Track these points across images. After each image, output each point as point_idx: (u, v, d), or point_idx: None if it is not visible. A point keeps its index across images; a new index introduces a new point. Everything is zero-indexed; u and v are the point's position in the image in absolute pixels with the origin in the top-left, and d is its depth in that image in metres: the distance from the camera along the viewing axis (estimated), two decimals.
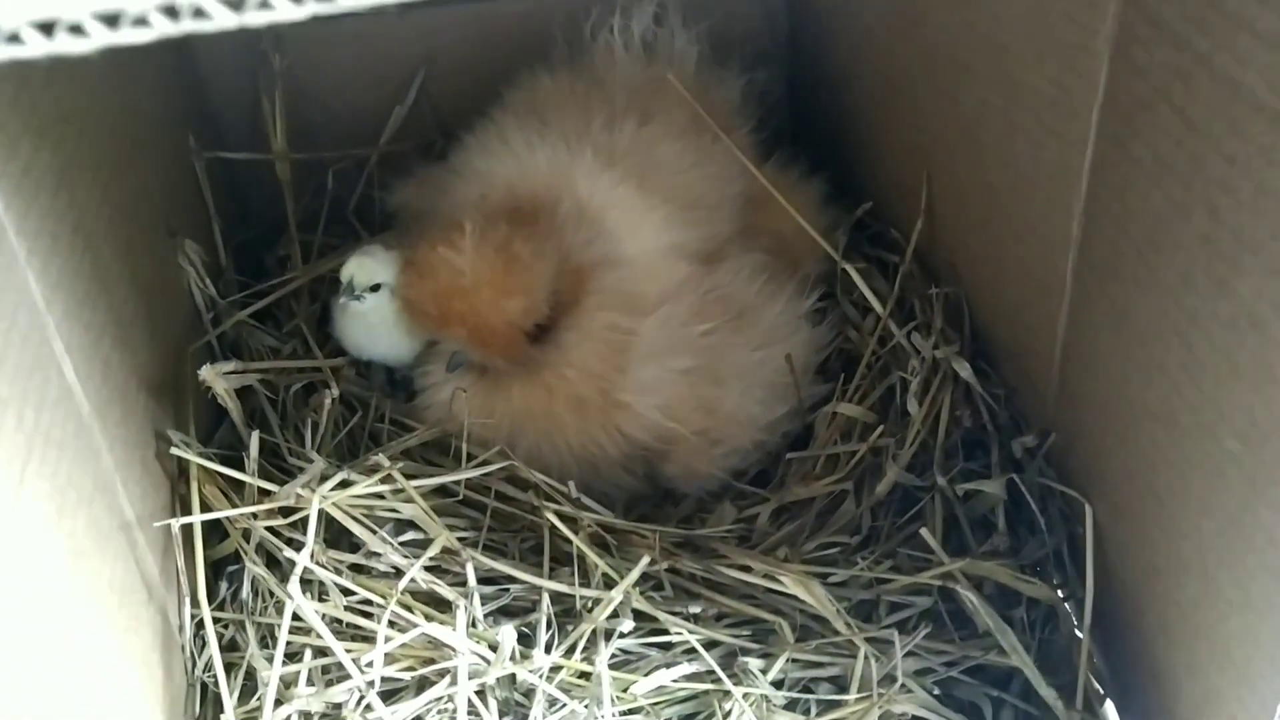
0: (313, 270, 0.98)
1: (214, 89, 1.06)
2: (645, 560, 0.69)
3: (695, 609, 0.70)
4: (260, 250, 1.05)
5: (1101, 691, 0.73)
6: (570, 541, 0.75)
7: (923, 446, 0.81)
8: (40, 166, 0.63)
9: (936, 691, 0.68)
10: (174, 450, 0.74)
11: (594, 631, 0.68)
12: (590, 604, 0.70)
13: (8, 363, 0.54)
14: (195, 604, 0.72)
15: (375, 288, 0.87)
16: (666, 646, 0.70)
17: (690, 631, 0.68)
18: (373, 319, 0.88)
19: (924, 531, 0.74)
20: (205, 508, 0.74)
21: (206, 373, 0.75)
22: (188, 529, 0.73)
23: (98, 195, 0.72)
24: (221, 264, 0.96)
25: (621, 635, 0.68)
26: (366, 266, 0.87)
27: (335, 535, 0.76)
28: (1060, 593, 0.74)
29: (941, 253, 0.90)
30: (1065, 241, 0.72)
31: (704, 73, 0.99)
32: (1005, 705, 0.71)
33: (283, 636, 0.66)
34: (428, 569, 0.71)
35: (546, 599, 0.70)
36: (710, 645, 0.69)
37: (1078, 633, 0.73)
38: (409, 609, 0.70)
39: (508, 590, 0.73)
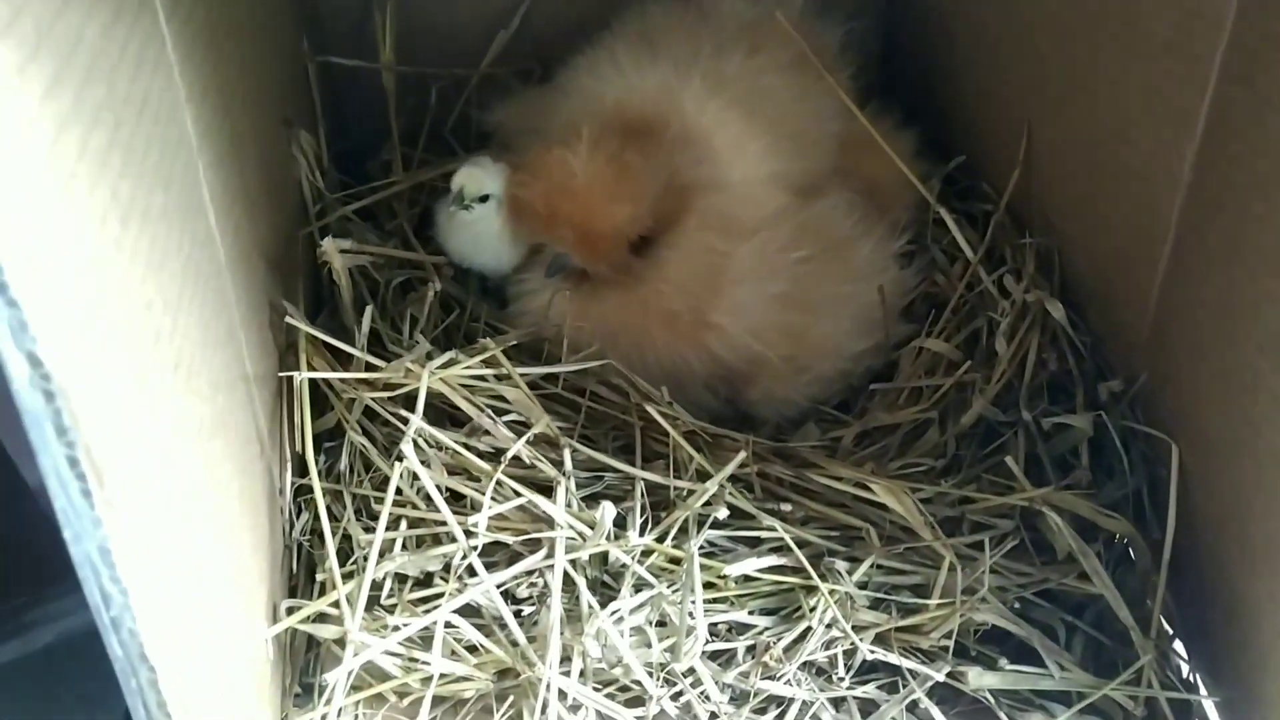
0: (415, 176, 1.00)
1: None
2: (741, 455, 0.71)
3: (786, 506, 0.72)
4: (358, 159, 1.08)
5: (1170, 631, 0.74)
6: (662, 442, 0.77)
7: (1007, 386, 0.83)
8: (197, 21, 0.66)
9: (1017, 607, 0.70)
10: (287, 319, 0.76)
11: (686, 519, 0.70)
12: (685, 493, 0.72)
13: (172, 189, 0.56)
14: (298, 470, 0.74)
15: (484, 199, 0.89)
16: (755, 542, 0.72)
17: (782, 528, 0.70)
18: (479, 228, 0.90)
19: (1008, 459, 0.76)
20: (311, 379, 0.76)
21: (328, 245, 0.78)
22: (295, 393, 0.75)
23: (236, 66, 0.75)
24: (325, 164, 0.98)
25: (715, 524, 0.70)
26: (476, 177, 0.89)
27: (433, 418, 0.78)
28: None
29: (1035, 204, 0.92)
30: (1174, 184, 0.73)
31: (807, 16, 1.00)
32: (1078, 631, 0.73)
33: (390, 493, 0.69)
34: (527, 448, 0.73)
35: (641, 486, 0.72)
36: (798, 545, 0.71)
37: (1145, 569, 0.75)
38: (509, 487, 0.72)
39: (601, 478, 0.75)
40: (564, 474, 0.71)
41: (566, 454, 0.73)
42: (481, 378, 0.76)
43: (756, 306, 0.86)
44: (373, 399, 0.75)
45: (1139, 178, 0.77)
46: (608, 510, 0.67)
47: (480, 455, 0.75)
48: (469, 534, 0.68)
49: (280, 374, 0.73)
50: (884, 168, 0.96)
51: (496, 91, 1.07)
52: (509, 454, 0.70)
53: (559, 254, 0.86)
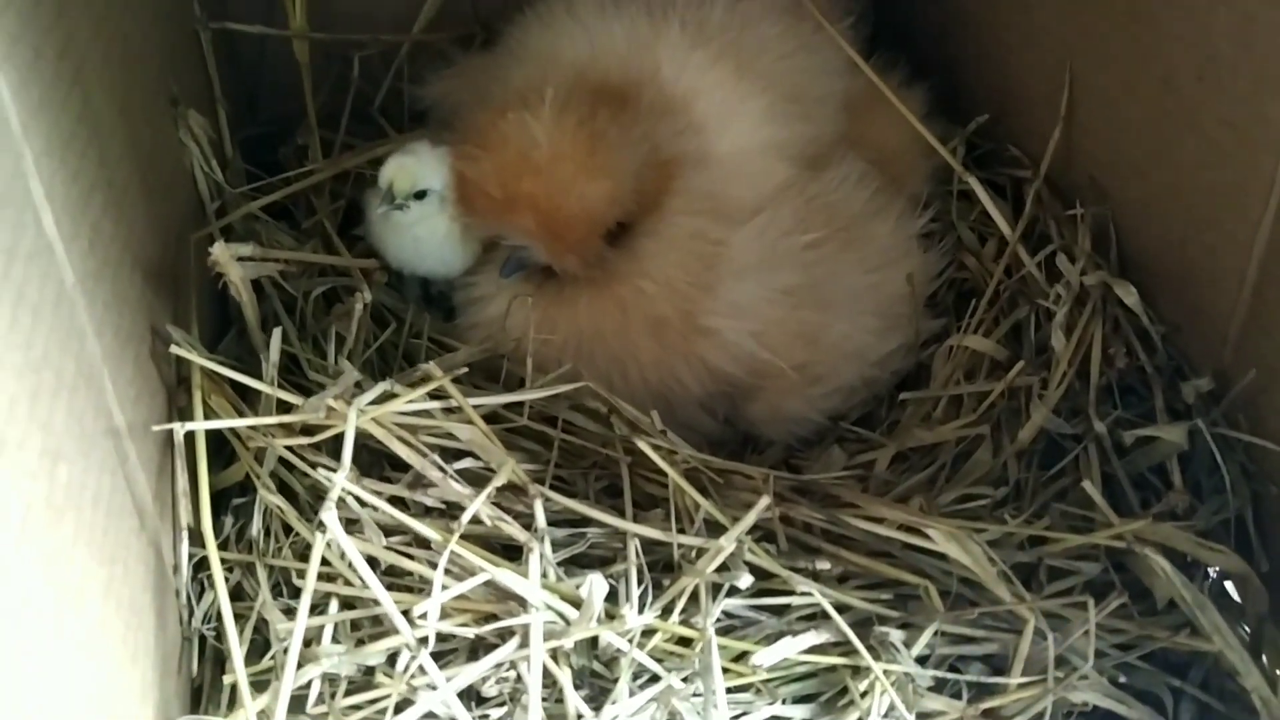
0: (337, 163, 0.83)
1: None
2: (764, 501, 0.55)
3: (823, 565, 0.57)
4: (268, 148, 0.91)
5: None
6: (656, 481, 0.61)
7: (1068, 389, 0.68)
8: None
9: (1122, 679, 0.55)
10: (174, 349, 0.59)
11: (697, 588, 0.55)
12: (692, 554, 0.56)
13: None
14: (195, 539, 0.58)
15: (421, 194, 0.72)
16: (781, 611, 0.57)
17: (819, 593, 0.54)
18: (420, 229, 0.73)
19: (1086, 484, 0.61)
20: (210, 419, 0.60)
21: (219, 252, 0.61)
22: (188, 444, 0.58)
23: (89, 23, 0.58)
24: (227, 152, 0.81)
25: (734, 593, 0.55)
26: (409, 169, 0.72)
27: (366, 464, 0.62)
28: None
29: (1079, 168, 0.77)
30: (1275, 133, 0.59)
31: None
32: (1185, 697, 0.59)
33: (311, 576, 0.52)
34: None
35: (635, 545, 0.57)
36: (840, 611, 0.55)
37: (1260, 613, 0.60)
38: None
39: (583, 536, 0.59)
40: (536, 535, 0.55)
41: (538, 507, 0.57)
42: (426, 412, 0.60)
43: (760, 305, 0.71)
44: (288, 447, 0.58)
45: (1228, 127, 0.63)
46: (597, 585, 0.52)
47: (428, 511, 0.59)
48: (417, 624, 0.52)
49: (157, 428, 0.56)
50: (896, 132, 0.81)
51: (432, 61, 0.90)
52: (466, 515, 0.54)
53: (517, 248, 0.70)
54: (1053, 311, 0.71)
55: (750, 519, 0.55)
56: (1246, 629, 0.61)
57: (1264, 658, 0.60)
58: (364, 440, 0.60)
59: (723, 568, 0.55)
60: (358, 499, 0.57)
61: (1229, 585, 0.64)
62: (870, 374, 0.74)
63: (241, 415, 0.61)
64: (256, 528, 0.61)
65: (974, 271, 0.79)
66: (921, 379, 0.76)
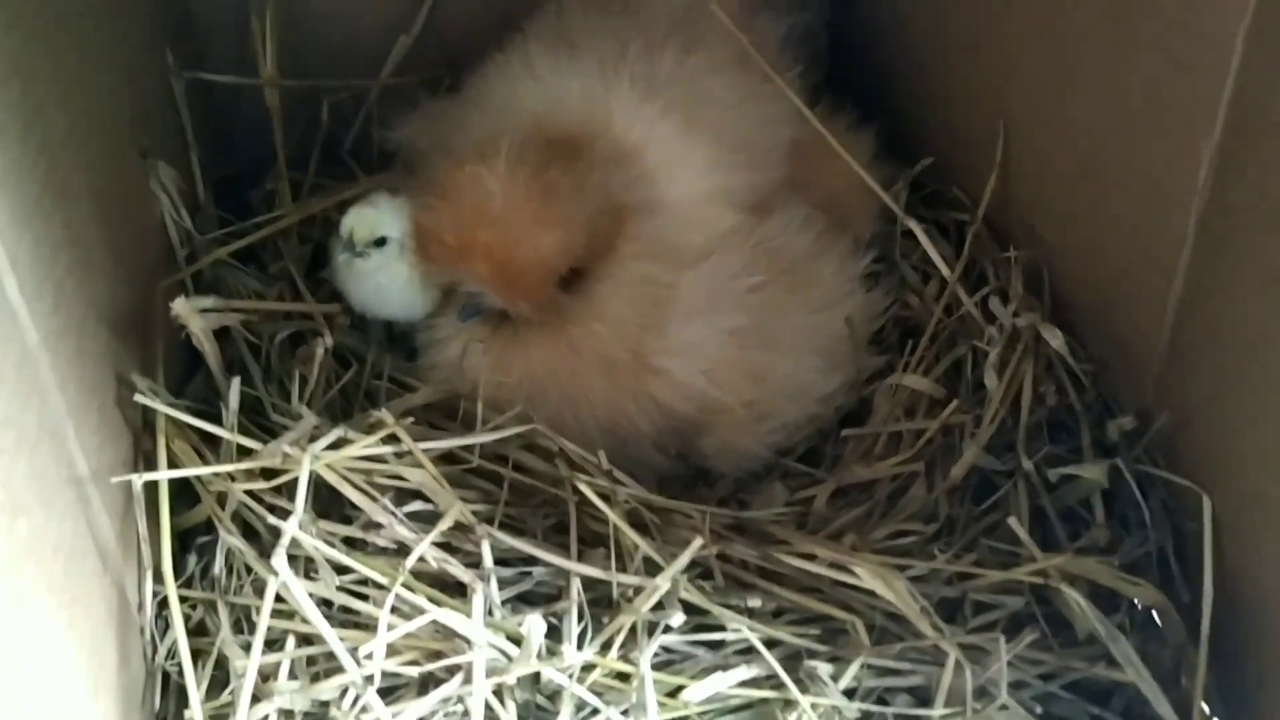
0: (304, 208, 0.86)
1: (196, 5, 0.94)
2: (697, 543, 0.58)
3: (754, 602, 0.60)
4: (242, 188, 0.93)
5: (1207, 711, 0.63)
6: (602, 520, 0.64)
7: (1000, 426, 0.71)
8: None
9: (1039, 710, 0.58)
10: (138, 397, 0.62)
11: (635, 625, 0.57)
12: (630, 592, 0.59)
13: None
14: (159, 578, 0.61)
15: (381, 242, 0.75)
16: (716, 646, 0.60)
17: (749, 628, 0.57)
18: (380, 277, 0.76)
19: (1012, 521, 0.64)
20: (172, 466, 0.62)
21: (180, 307, 0.64)
22: (151, 489, 0.61)
23: (57, 91, 0.61)
24: (200, 198, 0.84)
25: (669, 630, 0.57)
26: (368, 218, 0.75)
27: (324, 505, 0.65)
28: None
29: (1016, 212, 0.80)
30: (1189, 188, 0.62)
31: (746, 9, 0.88)
32: None
33: (264, 619, 0.55)
34: (435, 546, 0.60)
35: (577, 585, 0.60)
36: (769, 645, 0.58)
37: (1179, 643, 0.63)
38: (411, 591, 0.59)
39: (529, 574, 0.62)
40: (481, 575, 0.58)
41: (485, 547, 0.60)
42: (380, 456, 0.63)
43: (708, 345, 0.74)
44: (247, 491, 0.61)
45: (1145, 181, 0.66)
46: (535, 625, 0.55)
47: (380, 552, 0.62)
48: (363, 663, 0.55)
49: (117, 479, 0.59)
50: (841, 176, 0.84)
51: (401, 104, 0.93)
52: (410, 558, 0.57)
53: (474, 293, 0.72)
54: (988, 351, 0.73)
55: (684, 559, 0.58)
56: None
57: (1182, 682, 0.62)
58: (322, 484, 0.63)
59: (659, 605, 0.58)
60: (312, 536, 0.60)
61: (1155, 615, 0.67)
62: (814, 410, 0.77)
63: (205, 459, 0.64)
64: (219, 566, 0.63)
65: (916, 310, 0.82)
66: (865, 414, 0.79)
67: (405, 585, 0.57)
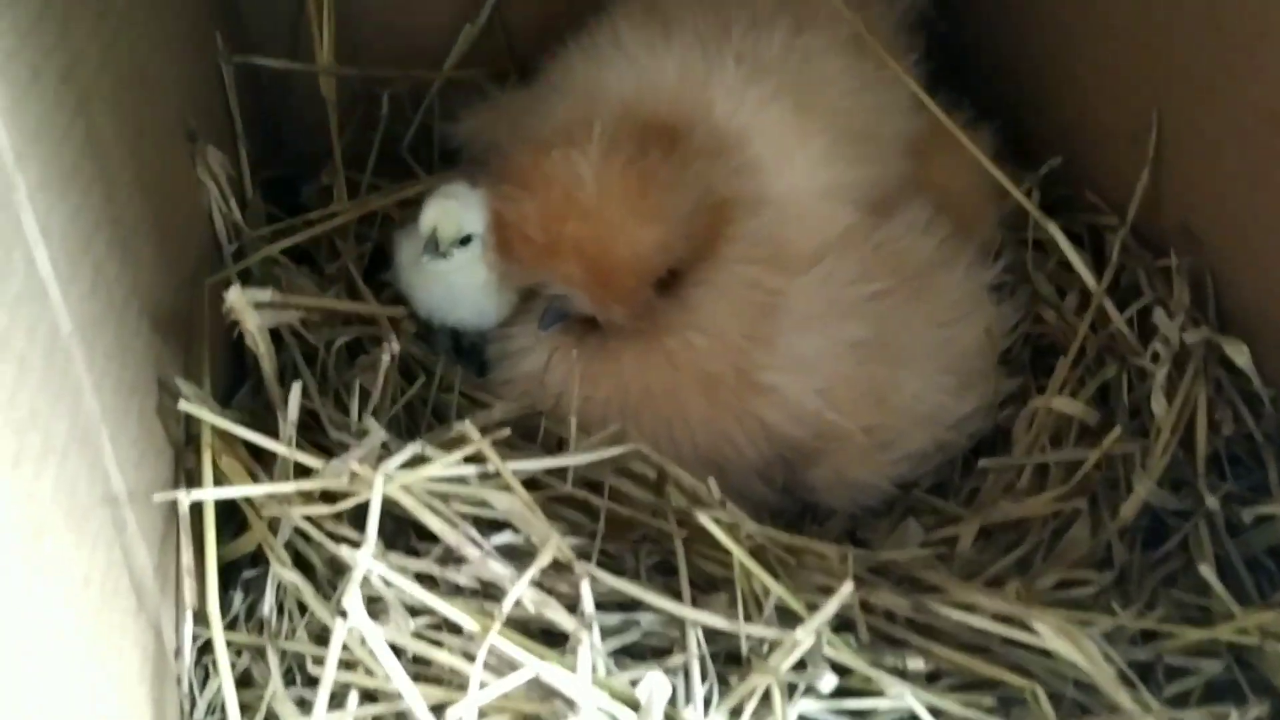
0: (364, 204, 0.77)
1: None
2: (847, 588, 0.49)
3: (915, 663, 0.50)
4: (291, 189, 0.85)
5: None
6: (715, 559, 0.55)
7: (1171, 459, 0.61)
8: None
9: None
10: (182, 405, 0.53)
11: (769, 687, 0.48)
12: (762, 647, 0.50)
13: None
14: (201, 618, 0.51)
15: (465, 240, 0.66)
16: (865, 714, 0.50)
17: (912, 694, 0.47)
18: (457, 278, 0.67)
19: (1204, 570, 0.54)
20: (220, 485, 0.53)
21: (234, 298, 0.55)
22: (195, 513, 0.52)
23: (99, 46, 0.52)
24: (247, 192, 0.76)
25: (810, 692, 0.48)
26: (453, 214, 0.66)
27: (390, 532, 0.56)
28: None
29: (1172, 215, 0.70)
30: None
31: None
32: None
33: (329, 671, 0.46)
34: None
35: (697, 635, 0.50)
36: (932, 715, 0.48)
37: None
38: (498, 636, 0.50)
39: (635, 623, 0.52)
40: (585, 623, 0.48)
41: (585, 589, 0.50)
42: (459, 478, 0.54)
43: (824, 359, 0.65)
44: (306, 516, 0.52)
45: None
46: (658, 686, 0.45)
47: (456, 589, 0.52)
48: None
49: (160, 496, 0.50)
50: (963, 175, 0.75)
51: (464, 98, 0.85)
52: (507, 602, 0.48)
53: (558, 296, 0.64)
54: (1146, 371, 0.64)
55: (831, 607, 0.48)
56: None
57: None
58: (388, 507, 0.54)
59: (799, 664, 0.48)
60: (384, 577, 0.50)
61: None
62: (945, 438, 0.67)
63: (255, 478, 0.55)
64: (269, 605, 0.54)
65: (1052, 326, 0.73)
66: (1000, 443, 0.69)
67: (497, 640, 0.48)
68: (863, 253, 0.68)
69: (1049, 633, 0.49)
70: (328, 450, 0.60)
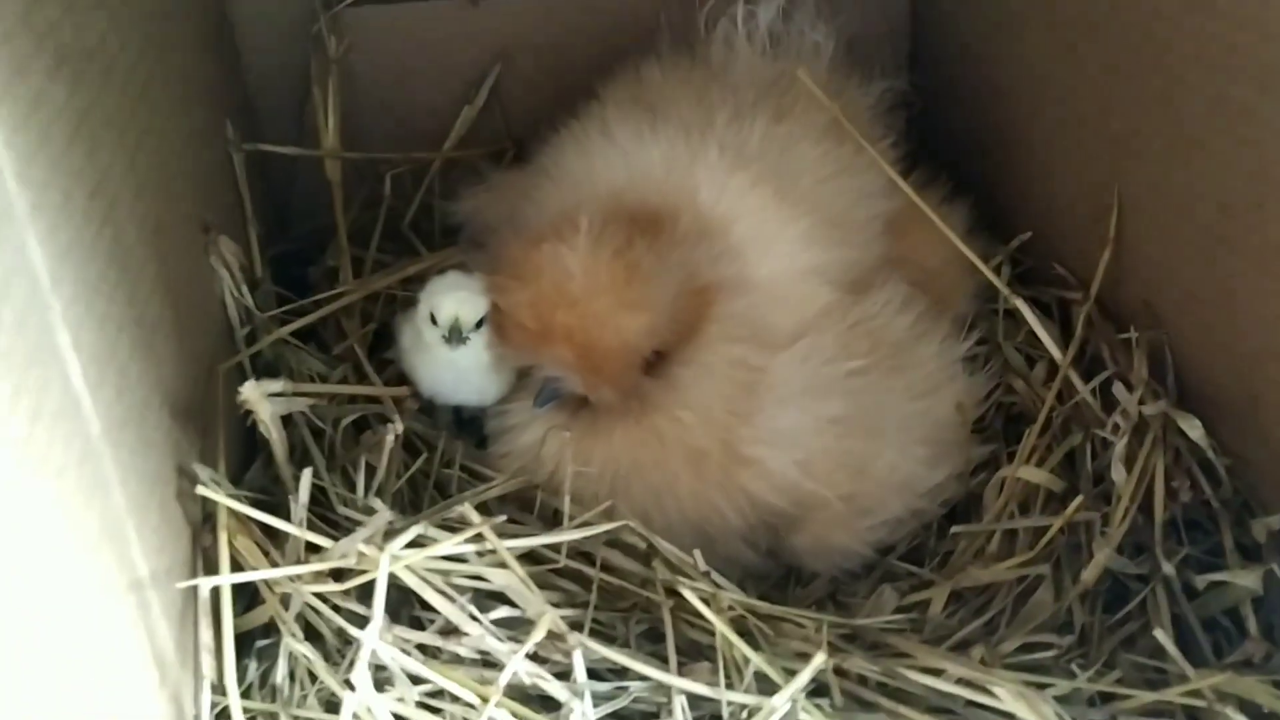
0: (367, 285, 0.82)
1: (257, 75, 0.91)
2: (820, 657, 0.52)
3: None
4: (300, 264, 0.90)
5: None
6: (699, 627, 0.58)
7: (1131, 525, 0.65)
8: (54, 102, 0.48)
9: None
10: (200, 489, 0.57)
11: None
12: (744, 712, 0.53)
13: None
14: (219, 689, 0.55)
15: (479, 324, 0.70)
16: None
17: None
18: (462, 361, 0.71)
19: (1159, 633, 0.58)
20: (234, 565, 0.57)
21: (249, 392, 0.59)
22: (213, 593, 0.56)
23: (123, 160, 0.57)
24: (258, 274, 0.80)
25: None
26: (469, 303, 0.69)
27: (392, 607, 0.60)
28: None
29: (1132, 290, 0.74)
30: None
31: (836, 75, 0.84)
32: None
33: None
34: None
35: (681, 702, 0.53)
36: None
37: None
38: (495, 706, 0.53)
39: (625, 689, 0.56)
40: (577, 693, 0.52)
41: (578, 659, 0.54)
42: (459, 555, 0.57)
43: (804, 433, 0.69)
44: (315, 594, 0.56)
45: None
46: None
47: (453, 661, 0.56)
48: None
49: (182, 584, 0.53)
50: (938, 251, 0.79)
51: (464, 177, 0.89)
52: (504, 676, 0.51)
53: (551, 377, 0.68)
54: (1109, 441, 0.68)
55: (805, 676, 0.52)
56: None
57: None
58: (394, 581, 0.57)
59: None
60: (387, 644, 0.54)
61: None
62: (919, 505, 0.71)
63: (267, 554, 0.59)
64: (281, 675, 0.58)
65: (1023, 395, 0.77)
66: (972, 509, 0.73)
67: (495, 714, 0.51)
68: (840, 331, 0.71)
69: (1007, 696, 0.52)
70: (335, 524, 0.64)
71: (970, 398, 0.75)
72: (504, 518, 0.59)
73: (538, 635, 0.53)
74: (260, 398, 0.59)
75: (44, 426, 0.41)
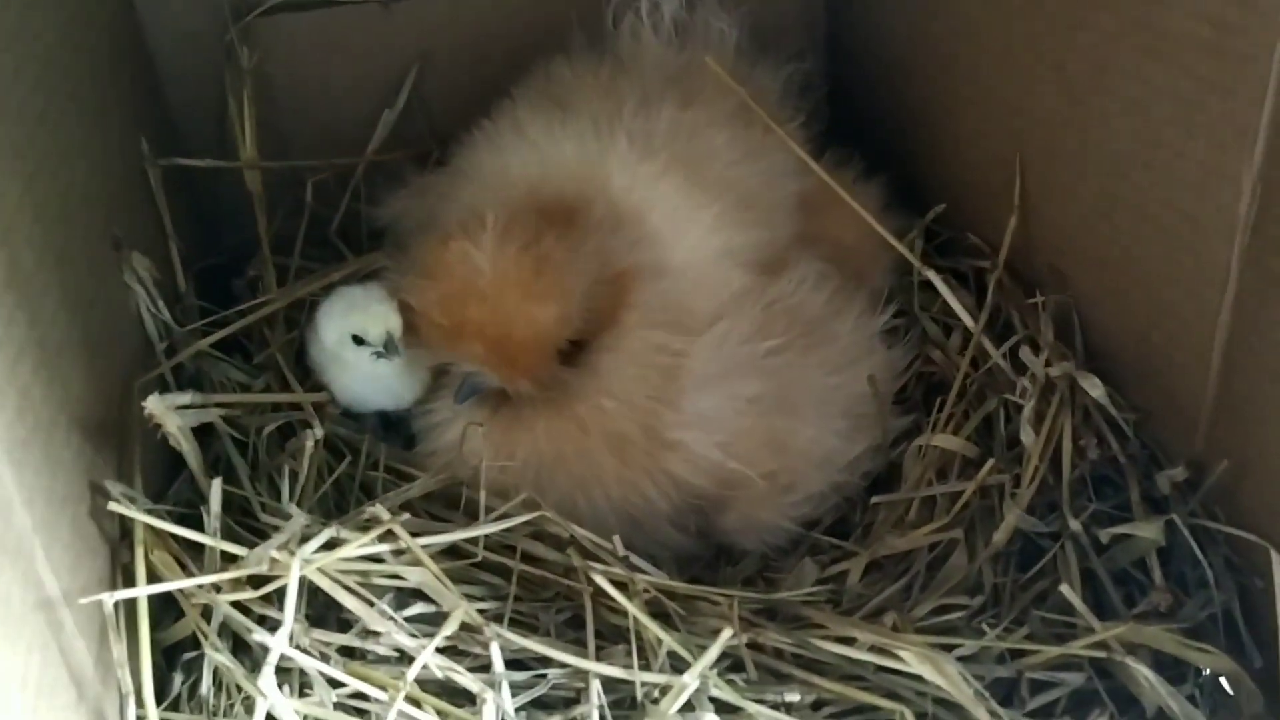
0: (290, 293, 0.82)
1: (173, 88, 0.91)
2: (727, 634, 0.53)
3: (792, 695, 0.54)
4: (231, 276, 0.90)
5: None
6: (621, 612, 0.59)
7: (1041, 485, 0.66)
8: None
9: None
10: (112, 506, 0.58)
11: None
12: (656, 692, 0.54)
13: None
14: (140, 703, 0.55)
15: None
16: None
17: None
18: (383, 369, 0.72)
19: (1065, 589, 0.59)
20: (154, 578, 0.58)
21: (154, 405, 0.59)
22: (130, 607, 0.56)
23: (19, 184, 0.57)
24: (180, 288, 0.80)
25: None
26: (386, 315, 0.71)
27: (320, 610, 0.61)
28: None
29: (1040, 256, 0.76)
30: (1230, 221, 0.58)
31: (743, 61, 0.85)
32: None
33: None
34: (440, 650, 0.55)
35: (597, 687, 0.54)
36: None
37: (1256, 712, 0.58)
38: (416, 703, 0.54)
39: (544, 676, 0.57)
40: (491, 682, 0.53)
41: (495, 651, 0.55)
42: (376, 555, 0.58)
43: (725, 414, 0.70)
44: (233, 603, 0.56)
45: (1180, 215, 0.62)
46: None
47: (381, 660, 0.57)
48: None
49: (87, 599, 0.54)
50: (852, 228, 0.80)
51: (388, 181, 0.89)
52: (412, 670, 0.52)
53: (470, 373, 0.68)
54: (1020, 404, 0.69)
55: (713, 652, 0.53)
56: None
57: None
58: (317, 586, 0.58)
59: (688, 705, 0.53)
60: (304, 649, 0.55)
61: (1223, 681, 0.61)
62: (840, 479, 0.72)
63: (185, 567, 0.60)
64: (206, 685, 0.58)
65: (941, 365, 0.78)
66: (894, 478, 0.74)
67: (410, 698, 0.52)
68: (757, 312, 0.72)
69: (913, 659, 0.53)
70: (260, 533, 0.64)
71: (888, 370, 0.76)
72: (407, 516, 0.59)
73: (449, 629, 0.54)
74: (166, 410, 0.59)
75: None
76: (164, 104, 0.91)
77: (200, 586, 0.56)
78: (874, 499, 0.71)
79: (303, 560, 0.55)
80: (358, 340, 0.72)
